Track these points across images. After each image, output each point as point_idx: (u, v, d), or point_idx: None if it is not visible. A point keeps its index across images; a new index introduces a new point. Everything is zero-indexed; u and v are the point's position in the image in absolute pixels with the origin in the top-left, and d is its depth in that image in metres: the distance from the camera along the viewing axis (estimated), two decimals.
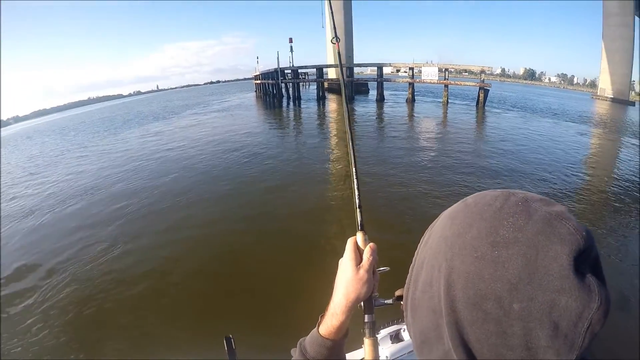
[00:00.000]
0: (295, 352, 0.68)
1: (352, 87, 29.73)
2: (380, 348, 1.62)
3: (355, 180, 0.80)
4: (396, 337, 1.71)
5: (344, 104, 0.89)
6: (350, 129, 0.83)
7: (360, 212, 0.76)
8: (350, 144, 0.82)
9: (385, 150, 11.68)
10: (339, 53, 0.96)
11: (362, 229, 0.72)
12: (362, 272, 0.64)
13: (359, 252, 0.68)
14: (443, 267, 0.43)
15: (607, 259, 4.93)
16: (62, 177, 11.56)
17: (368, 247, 0.68)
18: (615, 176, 9.36)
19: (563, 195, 7.51)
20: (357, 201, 0.77)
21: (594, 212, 6.75)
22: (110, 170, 11.36)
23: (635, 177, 9.09)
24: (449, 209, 0.48)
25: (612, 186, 8.42)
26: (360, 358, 0.68)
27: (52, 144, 23.08)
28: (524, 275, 0.37)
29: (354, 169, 0.81)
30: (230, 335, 1.49)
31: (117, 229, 6.48)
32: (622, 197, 7.61)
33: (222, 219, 6.63)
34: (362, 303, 0.67)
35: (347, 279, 0.64)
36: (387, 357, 1.64)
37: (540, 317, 0.36)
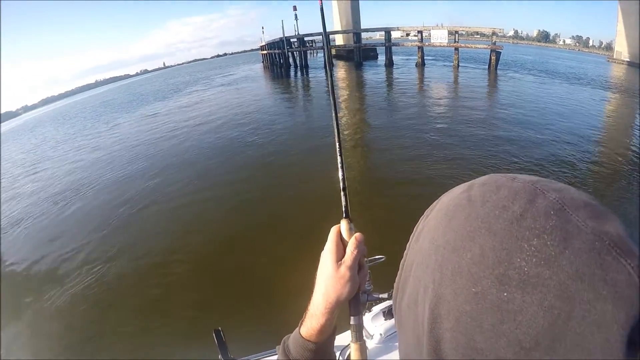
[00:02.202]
0: (279, 351, 0.61)
1: (359, 53, 29.22)
2: (373, 325, 1.63)
3: (339, 158, 0.67)
4: (389, 313, 1.62)
5: (329, 83, 0.79)
6: (334, 101, 0.75)
7: (346, 196, 0.65)
8: (334, 118, 0.72)
9: (395, 120, 11.39)
10: (322, 17, 0.82)
11: (347, 217, 0.61)
12: (344, 269, 0.54)
13: (342, 243, 0.58)
14: (429, 290, 0.32)
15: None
16: (51, 177, 10.75)
17: (353, 238, 0.57)
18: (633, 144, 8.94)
19: (580, 165, 7.27)
20: (341, 183, 0.66)
21: (610, 181, 6.54)
22: (95, 169, 10.37)
23: None
24: (449, 195, 0.36)
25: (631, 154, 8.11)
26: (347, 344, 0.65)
27: (50, 136, 22.74)
28: (544, 340, 0.25)
29: (337, 146, 0.69)
30: (220, 328, 1.42)
31: (109, 231, 6.20)
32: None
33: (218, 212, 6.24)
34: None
35: (327, 277, 0.55)
36: (380, 334, 1.57)
37: None
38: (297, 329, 0.59)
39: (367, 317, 1.68)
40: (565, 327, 0.24)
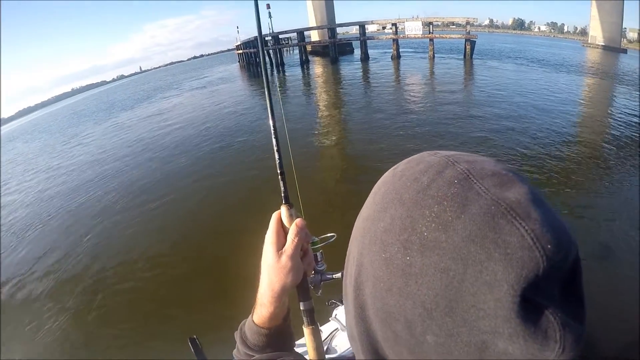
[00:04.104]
0: (237, 336, 0.61)
1: (335, 49, 28.92)
2: (345, 319, 1.52)
3: (275, 141, 0.64)
4: None
5: (263, 67, 0.74)
6: (267, 78, 0.70)
7: (284, 180, 0.62)
8: (267, 92, 0.68)
9: (370, 116, 11.07)
10: (257, 13, 0.74)
11: (286, 202, 0.59)
12: (285, 259, 0.54)
13: (283, 230, 0.57)
14: (355, 260, 0.33)
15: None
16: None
17: (294, 224, 0.56)
18: (611, 124, 8.98)
19: (558, 146, 7.26)
20: (278, 168, 0.63)
21: (589, 162, 6.54)
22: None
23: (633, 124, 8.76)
24: (385, 173, 0.35)
25: (609, 135, 8.13)
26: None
27: (18, 152, 20.81)
28: (442, 301, 0.25)
29: (272, 129, 0.65)
30: (195, 336, 1.42)
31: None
32: (619, 144, 7.37)
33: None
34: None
35: (269, 267, 0.55)
36: None
37: None
38: (250, 315, 0.60)
39: (340, 310, 1.69)
40: (460, 288, 0.25)
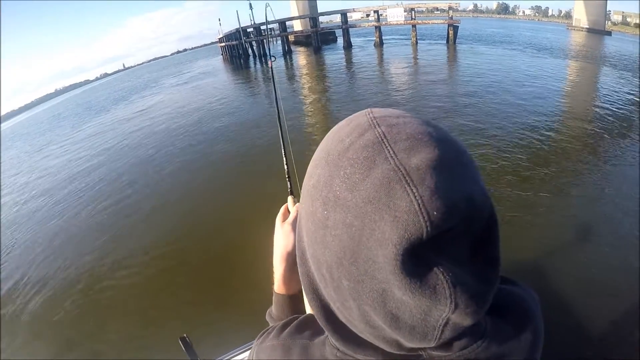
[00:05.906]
0: (267, 317, 0.71)
1: (317, 38, 28.54)
2: None
3: (283, 150, 0.97)
4: None
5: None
6: (276, 92, 1.09)
7: (289, 179, 0.91)
8: (279, 123, 0.97)
9: (354, 102, 10.99)
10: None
11: (291, 194, 0.82)
12: (286, 225, 0.70)
13: (289, 213, 0.74)
14: (298, 211, 0.37)
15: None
16: None
17: (295, 206, 0.74)
18: (600, 107, 8.92)
19: (547, 129, 7.20)
20: (286, 170, 0.93)
21: (580, 146, 6.46)
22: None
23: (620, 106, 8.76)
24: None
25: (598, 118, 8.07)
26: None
27: None
28: (348, 252, 0.29)
29: (281, 140, 0.97)
30: (185, 335, 1.46)
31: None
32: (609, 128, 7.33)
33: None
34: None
35: (276, 234, 0.71)
36: None
37: (373, 305, 0.29)
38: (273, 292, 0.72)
39: None
40: (360, 242, 0.28)
